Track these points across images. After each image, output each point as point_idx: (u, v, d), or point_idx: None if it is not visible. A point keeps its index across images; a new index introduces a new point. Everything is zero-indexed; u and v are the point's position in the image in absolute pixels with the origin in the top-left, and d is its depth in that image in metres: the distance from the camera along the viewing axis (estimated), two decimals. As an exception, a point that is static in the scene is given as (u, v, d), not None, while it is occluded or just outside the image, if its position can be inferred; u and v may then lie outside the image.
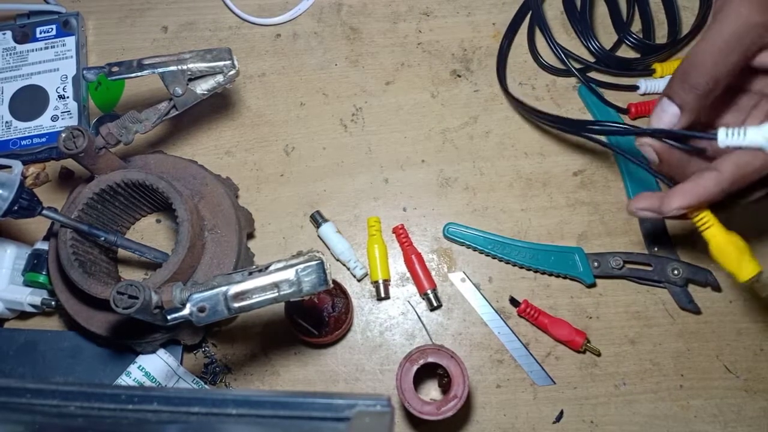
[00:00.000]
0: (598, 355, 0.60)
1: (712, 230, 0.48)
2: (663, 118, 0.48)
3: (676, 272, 0.61)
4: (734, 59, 0.45)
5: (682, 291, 0.61)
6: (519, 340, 0.61)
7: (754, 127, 0.45)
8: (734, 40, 0.44)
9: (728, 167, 0.46)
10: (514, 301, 0.61)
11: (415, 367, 0.53)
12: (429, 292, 0.62)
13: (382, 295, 0.62)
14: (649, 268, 0.61)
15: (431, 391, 0.60)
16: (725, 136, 0.45)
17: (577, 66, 0.66)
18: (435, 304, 0.62)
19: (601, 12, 0.69)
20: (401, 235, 0.63)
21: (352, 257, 0.63)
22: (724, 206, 0.49)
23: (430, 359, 0.53)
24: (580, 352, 0.60)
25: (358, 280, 0.63)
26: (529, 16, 0.69)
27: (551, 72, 0.67)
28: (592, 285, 0.62)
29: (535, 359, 0.60)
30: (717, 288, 0.61)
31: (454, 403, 0.53)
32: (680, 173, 0.50)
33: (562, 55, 0.65)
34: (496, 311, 0.61)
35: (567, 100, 0.67)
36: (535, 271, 0.63)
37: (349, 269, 0.63)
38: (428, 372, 0.57)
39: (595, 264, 0.61)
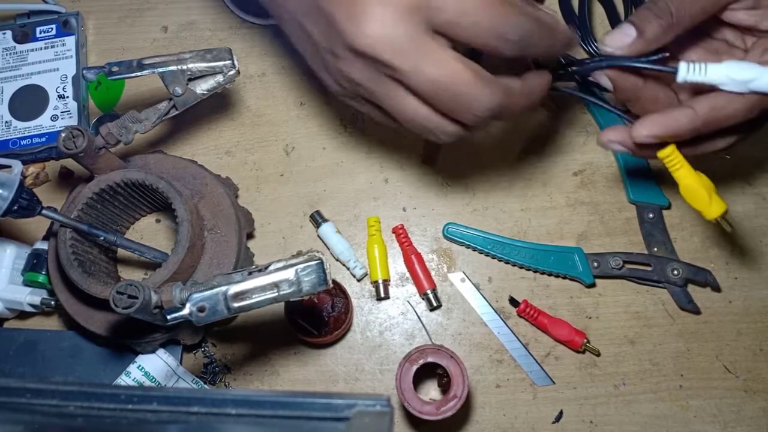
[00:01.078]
0: (598, 355, 0.60)
1: (682, 171, 0.48)
2: (618, 38, 0.48)
3: (675, 272, 0.61)
4: (704, 5, 0.46)
5: (681, 291, 0.61)
6: (519, 340, 0.61)
7: (714, 64, 0.45)
8: None
9: (704, 107, 0.46)
10: (513, 301, 0.61)
11: (414, 367, 0.53)
12: (429, 292, 0.62)
13: (382, 295, 0.62)
14: (649, 268, 0.61)
15: (431, 391, 0.60)
16: (686, 71, 0.46)
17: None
18: (435, 304, 0.62)
19: (600, 12, 0.69)
20: (401, 235, 0.63)
21: (351, 257, 0.63)
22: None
23: (430, 359, 0.54)
24: (579, 352, 0.60)
25: (358, 280, 0.63)
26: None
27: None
28: (592, 285, 0.62)
29: (534, 359, 0.60)
30: (717, 288, 0.61)
31: (454, 403, 0.53)
32: (635, 100, 0.50)
33: (562, 60, 0.65)
34: (496, 311, 0.61)
35: (567, 99, 0.67)
36: (535, 271, 0.63)
37: (348, 269, 0.63)
38: (428, 372, 0.57)
39: (595, 264, 0.61)
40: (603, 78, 0.49)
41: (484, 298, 0.62)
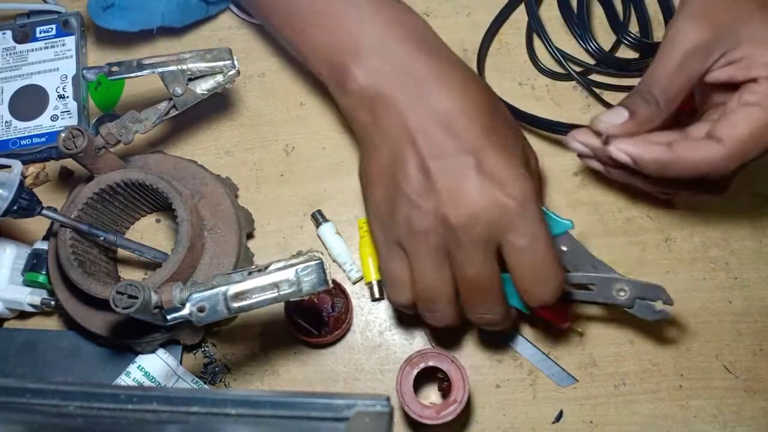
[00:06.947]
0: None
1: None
2: (611, 117, 0.50)
3: (622, 293, 0.52)
4: (681, 81, 0.49)
5: (641, 305, 0.52)
6: (534, 345, 0.60)
7: None
8: (682, 64, 0.49)
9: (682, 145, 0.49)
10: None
11: (415, 371, 0.53)
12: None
13: (377, 295, 0.62)
14: (593, 289, 0.53)
15: (431, 394, 0.60)
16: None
17: (577, 69, 0.66)
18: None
19: (599, 12, 0.69)
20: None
21: (348, 260, 0.62)
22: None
23: (431, 363, 0.53)
24: (577, 334, 0.60)
25: (353, 283, 0.63)
26: (524, 13, 0.68)
27: (551, 76, 0.67)
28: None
29: (553, 361, 0.60)
30: (670, 302, 0.53)
31: (454, 408, 0.52)
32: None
33: (562, 60, 0.65)
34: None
35: (567, 100, 0.67)
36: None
37: (345, 272, 0.63)
38: (428, 375, 0.57)
39: None
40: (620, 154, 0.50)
41: None
